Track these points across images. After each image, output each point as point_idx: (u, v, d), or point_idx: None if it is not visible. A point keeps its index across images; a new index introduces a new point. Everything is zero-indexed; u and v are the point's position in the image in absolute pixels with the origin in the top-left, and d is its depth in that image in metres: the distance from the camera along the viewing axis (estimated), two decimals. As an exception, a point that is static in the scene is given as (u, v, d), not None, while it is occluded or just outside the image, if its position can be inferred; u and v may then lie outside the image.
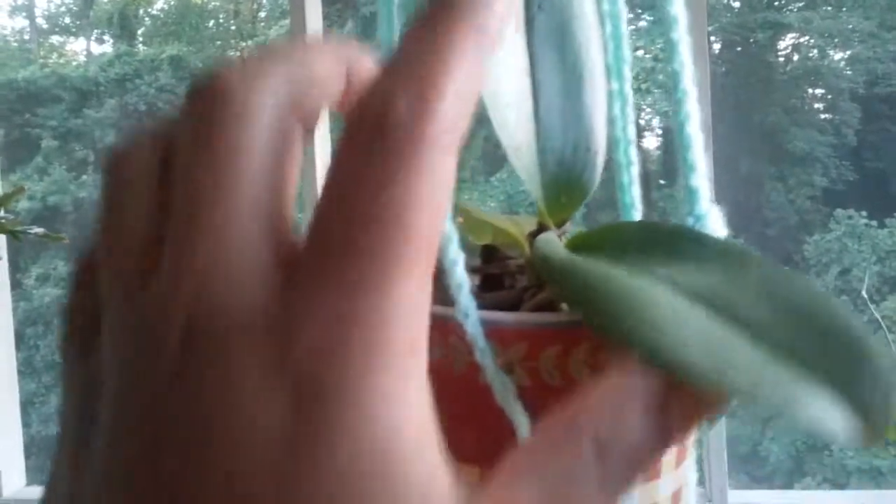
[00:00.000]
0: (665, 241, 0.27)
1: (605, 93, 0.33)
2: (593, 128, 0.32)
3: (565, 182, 0.32)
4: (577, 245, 0.30)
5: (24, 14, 9.32)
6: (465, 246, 0.32)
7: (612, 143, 0.35)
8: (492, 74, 0.30)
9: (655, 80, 6.65)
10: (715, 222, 0.30)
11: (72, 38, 9.33)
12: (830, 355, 0.23)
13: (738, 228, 6.36)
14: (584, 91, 0.32)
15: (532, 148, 0.31)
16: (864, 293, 5.81)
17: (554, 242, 0.29)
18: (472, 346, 0.27)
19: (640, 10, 7.05)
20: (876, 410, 0.22)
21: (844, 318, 0.24)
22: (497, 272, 0.33)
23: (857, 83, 6.93)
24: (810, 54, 7.17)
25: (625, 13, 0.35)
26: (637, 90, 6.71)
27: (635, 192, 0.35)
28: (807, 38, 7.11)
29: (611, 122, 0.35)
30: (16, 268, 6.70)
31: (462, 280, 0.28)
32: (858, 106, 6.89)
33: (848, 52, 7.05)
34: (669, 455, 0.29)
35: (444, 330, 0.28)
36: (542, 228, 0.32)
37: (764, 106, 6.89)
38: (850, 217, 6.22)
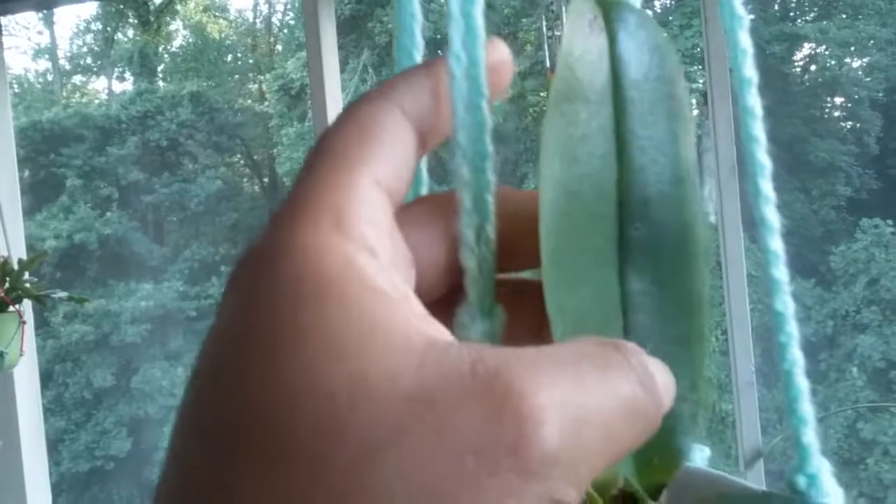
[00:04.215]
0: None
1: (709, 319, 0.27)
2: (694, 370, 0.26)
3: (660, 441, 0.25)
4: None
5: (46, 56, 9.51)
6: None
7: None
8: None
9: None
10: (830, 485, 0.27)
11: (93, 78, 9.50)
12: None
13: (763, 241, 6.31)
14: (685, 323, 0.26)
15: None
16: None
17: None
18: None
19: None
20: None
21: None
22: None
23: (876, 91, 6.89)
24: (827, 64, 7.14)
25: None
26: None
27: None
28: (823, 47, 7.08)
29: None
30: (42, 306, 6.75)
31: None
32: (879, 113, 6.84)
33: (866, 60, 7.01)
34: None
35: None
36: (628, 497, 0.27)
37: (783, 117, 6.85)
38: (875, 226, 6.15)
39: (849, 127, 7.07)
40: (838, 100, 7.22)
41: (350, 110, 0.20)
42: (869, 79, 6.95)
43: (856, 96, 6.96)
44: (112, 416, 7.16)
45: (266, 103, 8.67)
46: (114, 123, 8.21)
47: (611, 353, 0.18)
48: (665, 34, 0.27)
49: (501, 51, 0.23)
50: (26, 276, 1.59)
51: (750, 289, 1.66)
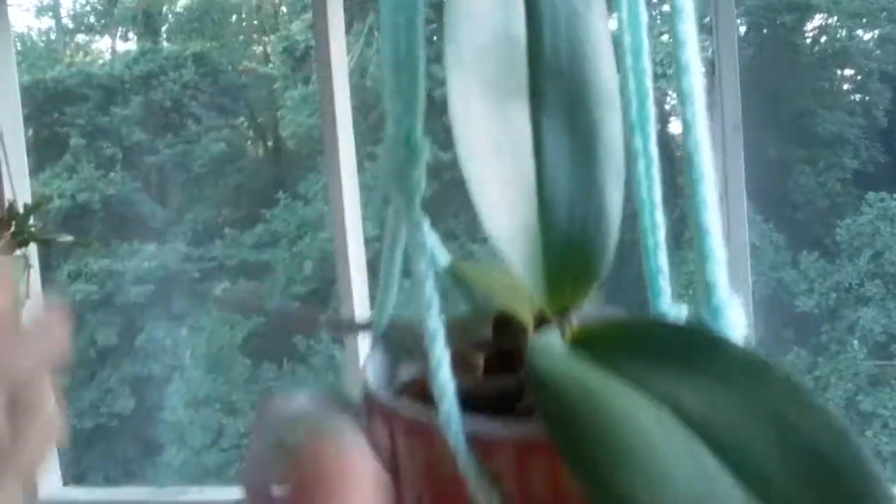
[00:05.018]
0: (679, 344, 0.25)
1: (622, 161, 0.30)
2: (605, 204, 0.28)
3: (572, 267, 0.28)
4: (581, 342, 0.27)
5: (49, 14, 9.42)
6: (478, 311, 0.32)
7: (637, 205, 0.33)
8: (477, 157, 0.27)
9: (680, 65, 6.58)
10: (734, 316, 0.28)
11: (97, 37, 9.42)
12: None
13: (768, 214, 6.29)
14: (597, 163, 0.29)
15: (531, 232, 0.28)
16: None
17: (549, 350, 0.26)
18: (455, 457, 0.25)
19: (663, -5, 6.98)
20: None
21: (859, 471, 0.22)
22: (508, 348, 0.30)
23: (887, 63, 6.81)
24: (838, 35, 7.06)
25: (650, 69, 0.32)
26: (662, 75, 6.65)
27: (662, 257, 0.33)
28: (835, 18, 6.99)
29: (636, 182, 0.32)
30: (47, 266, 6.78)
31: (445, 386, 0.26)
32: (888, 86, 6.77)
33: (877, 32, 6.93)
34: None
35: (428, 436, 0.26)
36: (543, 319, 0.29)
37: (792, 89, 6.79)
38: (881, 200, 6.13)
39: (857, 99, 7.01)
40: (848, 72, 7.15)
41: None
42: (879, 51, 6.87)
43: (866, 68, 6.89)
44: (116, 374, 7.22)
45: (270, 65, 8.61)
46: (117, 83, 8.15)
47: None
48: None
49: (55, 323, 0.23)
50: (31, 220, 1.60)
51: (753, 260, 1.65)
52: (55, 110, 7.99)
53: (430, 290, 0.27)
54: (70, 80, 8.17)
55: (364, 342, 1.85)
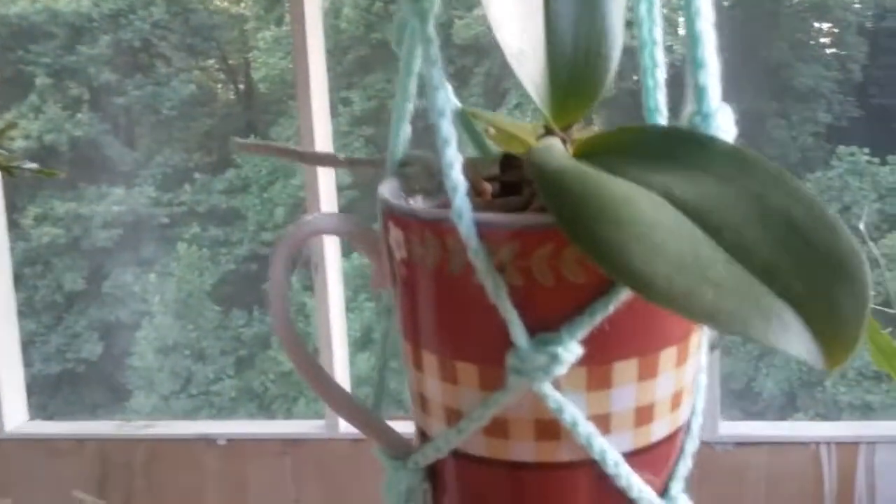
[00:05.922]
0: (671, 145, 0.28)
1: None
2: (607, 32, 0.32)
3: (574, 87, 0.31)
4: (584, 150, 0.30)
5: (12, -53, 9.11)
6: (485, 153, 0.36)
7: (638, 46, 0.34)
8: None
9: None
10: (724, 121, 0.30)
11: (62, -28, 9.14)
12: (807, 278, 0.24)
13: (740, 166, 6.31)
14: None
15: (538, 51, 0.31)
16: (861, 227, 5.84)
17: (551, 149, 0.29)
18: (466, 247, 0.28)
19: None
20: (839, 341, 0.23)
21: (834, 239, 0.24)
22: (514, 180, 0.33)
23: (865, 17, 6.81)
24: (817, -13, 7.04)
25: None
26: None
27: (660, 96, 0.34)
28: (814, -30, 6.96)
29: (637, 23, 0.34)
30: (13, 208, 6.67)
31: (457, 182, 0.28)
32: (866, 40, 6.78)
33: (856, -15, 6.92)
34: (668, 354, 0.29)
35: (441, 231, 0.28)
36: (548, 132, 0.32)
37: (768, 40, 6.78)
38: (851, 154, 6.18)
39: (834, 53, 7.02)
40: (825, 25, 7.14)
41: None
42: (858, 4, 6.86)
43: (844, 21, 6.89)
44: (83, 319, 7.17)
45: (242, 5, 8.43)
46: (84, 21, 7.95)
47: None
48: None
49: None
50: None
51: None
52: (19, 48, 7.79)
53: (443, 99, 0.29)
54: (35, 17, 7.95)
55: (338, 294, 1.84)
